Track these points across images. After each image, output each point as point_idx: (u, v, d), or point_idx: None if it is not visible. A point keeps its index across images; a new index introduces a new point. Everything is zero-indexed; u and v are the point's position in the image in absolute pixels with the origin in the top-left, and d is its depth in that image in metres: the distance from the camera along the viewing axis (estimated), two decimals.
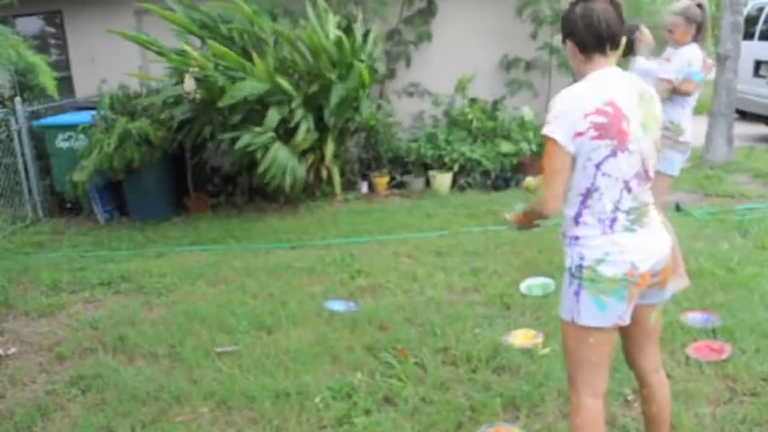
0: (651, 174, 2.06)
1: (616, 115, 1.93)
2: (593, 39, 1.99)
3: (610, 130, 1.93)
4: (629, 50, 3.90)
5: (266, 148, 5.91)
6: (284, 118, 6.01)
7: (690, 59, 3.74)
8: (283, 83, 5.96)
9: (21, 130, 6.85)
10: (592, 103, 1.94)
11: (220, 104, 5.80)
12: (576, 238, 2.03)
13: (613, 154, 1.94)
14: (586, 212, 2.01)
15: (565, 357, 2.14)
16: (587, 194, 1.99)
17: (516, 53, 7.77)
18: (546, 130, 1.97)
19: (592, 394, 2.08)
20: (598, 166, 1.95)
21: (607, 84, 1.98)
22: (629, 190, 1.99)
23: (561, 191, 2.00)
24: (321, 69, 6.13)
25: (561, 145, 1.94)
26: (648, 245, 2.02)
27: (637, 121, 1.98)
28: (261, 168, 5.89)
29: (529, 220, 2.19)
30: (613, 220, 1.99)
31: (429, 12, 7.81)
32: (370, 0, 7.47)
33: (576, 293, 2.02)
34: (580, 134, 1.93)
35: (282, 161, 5.93)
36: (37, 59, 5.18)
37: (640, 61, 4.00)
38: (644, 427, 2.35)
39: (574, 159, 1.97)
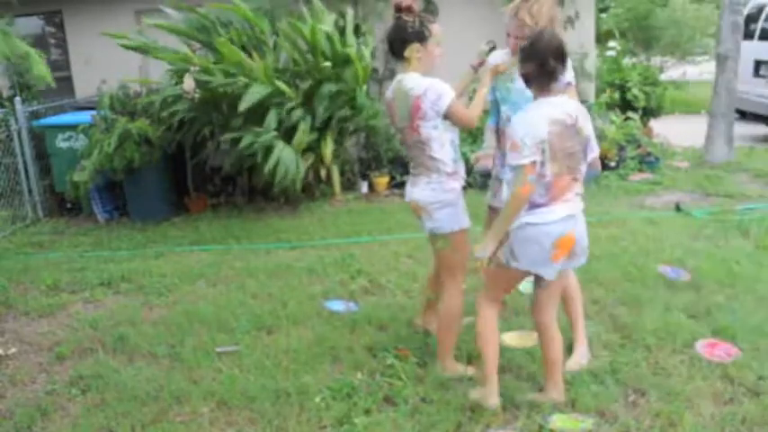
0: None
1: None
2: None
3: None
4: None
5: (269, 148, 5.86)
6: (281, 119, 5.99)
7: None
8: (281, 85, 5.94)
9: (20, 130, 6.83)
10: None
11: (240, 108, 5.69)
12: None
13: None
14: None
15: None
16: None
17: None
18: None
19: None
20: None
21: None
22: None
23: None
24: (317, 65, 6.12)
25: None
26: None
27: None
28: (268, 167, 5.80)
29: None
30: None
31: (428, 12, 7.79)
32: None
33: None
34: None
35: (287, 160, 5.89)
36: (30, 50, 5.09)
37: None
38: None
39: None
